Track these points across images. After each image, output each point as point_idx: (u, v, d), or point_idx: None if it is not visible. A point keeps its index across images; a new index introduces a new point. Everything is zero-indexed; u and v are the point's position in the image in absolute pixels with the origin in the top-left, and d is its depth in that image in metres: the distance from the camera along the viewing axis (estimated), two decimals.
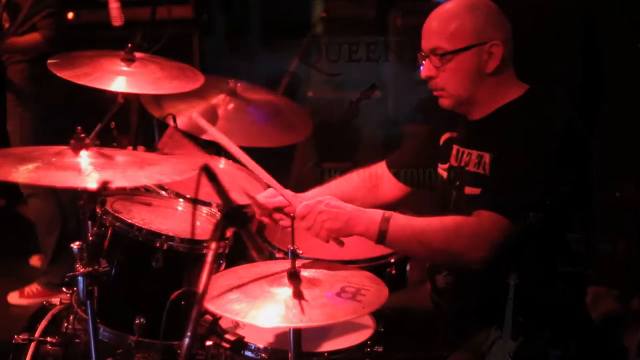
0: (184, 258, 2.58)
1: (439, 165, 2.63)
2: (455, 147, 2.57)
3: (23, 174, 2.20)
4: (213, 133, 2.55)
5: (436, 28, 2.45)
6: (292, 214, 2.42)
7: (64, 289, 2.75)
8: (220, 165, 3.33)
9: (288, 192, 2.51)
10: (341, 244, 2.37)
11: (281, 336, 2.29)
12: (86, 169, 2.28)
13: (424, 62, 2.48)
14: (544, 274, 2.46)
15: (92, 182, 2.18)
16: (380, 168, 2.81)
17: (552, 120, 2.39)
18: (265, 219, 2.54)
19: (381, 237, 2.35)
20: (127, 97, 3.01)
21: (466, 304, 2.51)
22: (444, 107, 2.52)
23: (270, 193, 2.56)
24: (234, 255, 2.66)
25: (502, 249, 2.32)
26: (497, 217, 2.31)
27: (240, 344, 2.27)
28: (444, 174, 2.60)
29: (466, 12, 2.43)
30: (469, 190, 2.47)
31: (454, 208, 2.49)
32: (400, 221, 2.37)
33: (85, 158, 2.32)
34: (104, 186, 2.13)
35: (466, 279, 2.50)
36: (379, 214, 2.38)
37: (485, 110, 2.49)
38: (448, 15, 2.44)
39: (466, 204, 2.42)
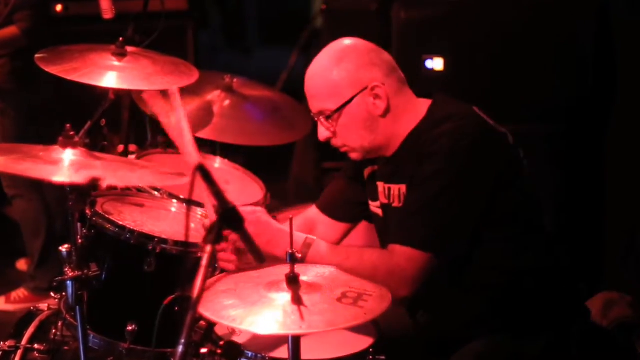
0: (177, 262, 2.58)
1: (370, 202, 2.65)
2: (380, 185, 2.58)
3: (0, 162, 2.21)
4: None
5: (313, 92, 2.49)
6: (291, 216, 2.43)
7: (52, 294, 2.75)
8: (216, 164, 3.34)
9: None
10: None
11: (279, 343, 2.30)
12: (71, 166, 2.29)
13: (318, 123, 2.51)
14: (528, 283, 2.47)
15: (76, 178, 2.18)
16: (313, 212, 2.80)
17: (455, 136, 2.38)
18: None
19: (299, 262, 2.36)
20: (119, 93, 3.02)
21: (449, 334, 2.52)
22: (354, 160, 2.55)
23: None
24: None
25: (426, 282, 2.33)
26: (412, 252, 2.33)
27: (236, 352, 2.28)
28: (378, 212, 2.62)
29: (334, 66, 2.45)
30: None
31: None
32: (321, 250, 2.39)
33: (73, 156, 2.32)
34: (94, 183, 2.14)
35: (444, 312, 2.52)
36: (301, 237, 2.40)
37: (395, 145, 2.51)
38: (319, 75, 2.47)
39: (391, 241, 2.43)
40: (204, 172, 1.89)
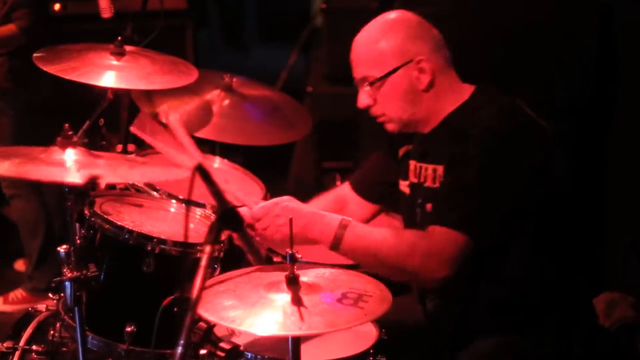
0: (176, 262, 2.58)
1: (400, 181, 2.66)
2: (412, 163, 2.59)
3: (4, 167, 2.21)
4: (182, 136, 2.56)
5: (359, 58, 2.52)
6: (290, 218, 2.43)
7: (50, 295, 2.75)
8: (215, 164, 3.34)
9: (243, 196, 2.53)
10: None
11: (279, 345, 2.30)
12: (73, 166, 2.29)
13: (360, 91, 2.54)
14: (537, 281, 2.48)
15: (78, 178, 2.18)
16: (345, 190, 2.83)
17: (497, 121, 2.40)
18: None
19: (336, 243, 2.38)
20: (117, 92, 3.02)
21: (459, 322, 2.53)
22: (391, 131, 2.57)
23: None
24: (230, 259, 2.66)
25: (463, 266, 2.33)
26: (450, 233, 2.32)
27: (235, 353, 2.28)
28: (406, 190, 2.62)
29: (383, 35, 2.49)
30: (430, 207, 2.50)
31: (420, 226, 2.49)
32: (358, 231, 2.40)
33: (72, 156, 2.32)
34: (92, 181, 2.14)
35: (453, 298, 2.52)
36: (337, 219, 2.40)
37: (433, 123, 2.53)
38: (366, 42, 2.51)
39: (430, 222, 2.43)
40: (203, 172, 1.89)
